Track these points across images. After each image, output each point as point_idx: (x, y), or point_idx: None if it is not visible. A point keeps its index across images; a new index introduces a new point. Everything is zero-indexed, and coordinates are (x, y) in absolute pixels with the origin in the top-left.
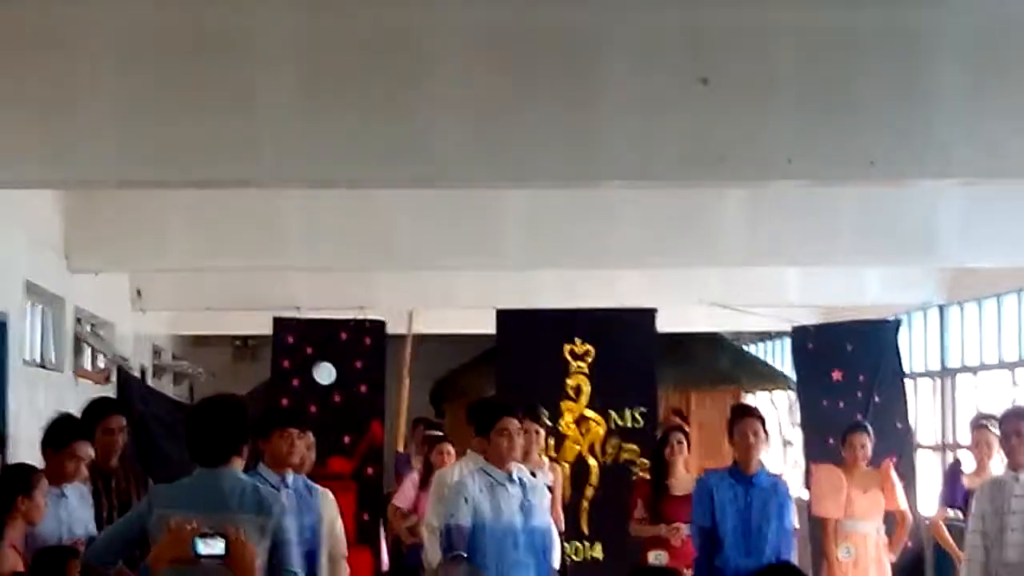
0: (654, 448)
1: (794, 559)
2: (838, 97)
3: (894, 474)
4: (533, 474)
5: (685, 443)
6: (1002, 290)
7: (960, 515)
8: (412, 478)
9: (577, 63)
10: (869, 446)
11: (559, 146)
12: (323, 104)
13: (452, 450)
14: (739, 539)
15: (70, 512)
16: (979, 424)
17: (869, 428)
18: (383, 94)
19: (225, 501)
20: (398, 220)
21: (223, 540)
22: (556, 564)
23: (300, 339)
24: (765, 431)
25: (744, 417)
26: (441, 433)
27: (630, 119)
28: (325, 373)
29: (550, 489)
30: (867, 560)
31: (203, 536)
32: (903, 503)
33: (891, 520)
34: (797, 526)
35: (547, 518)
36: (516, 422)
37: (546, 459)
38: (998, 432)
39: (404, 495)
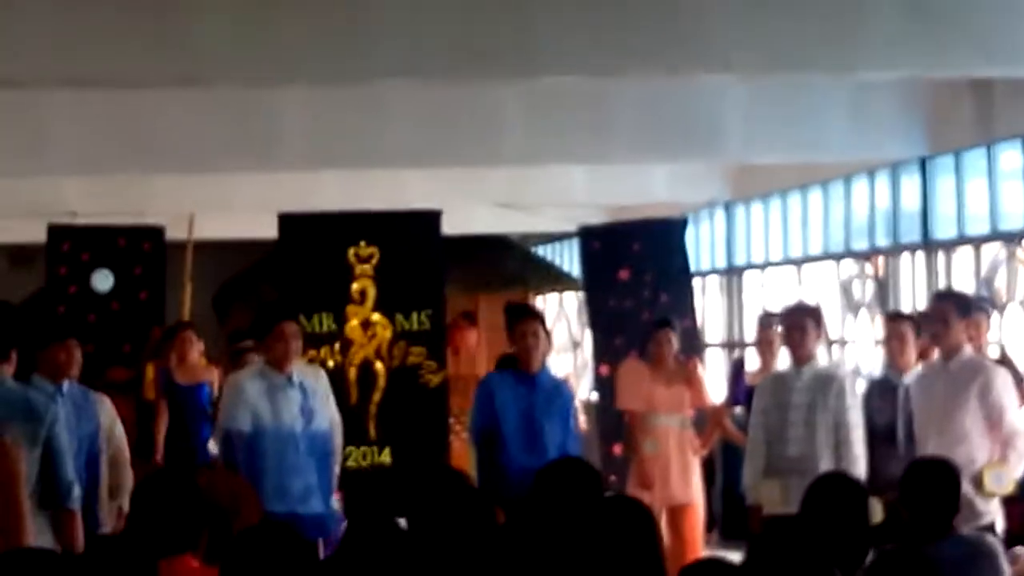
0: None
1: None
2: None
3: (701, 371)
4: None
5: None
6: (786, 186)
7: (744, 412)
8: None
9: None
10: (675, 342)
11: (326, 43)
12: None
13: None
14: (521, 438)
15: None
16: (763, 322)
17: (675, 324)
18: None
19: None
20: (174, 121)
21: None
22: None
23: (76, 246)
24: (545, 331)
25: (522, 318)
26: (249, 344)
27: (398, 14)
28: (102, 280)
29: None
30: (668, 454)
31: None
32: (711, 399)
33: (703, 417)
34: (584, 427)
35: (327, 422)
36: (294, 325)
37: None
38: (780, 329)
39: None
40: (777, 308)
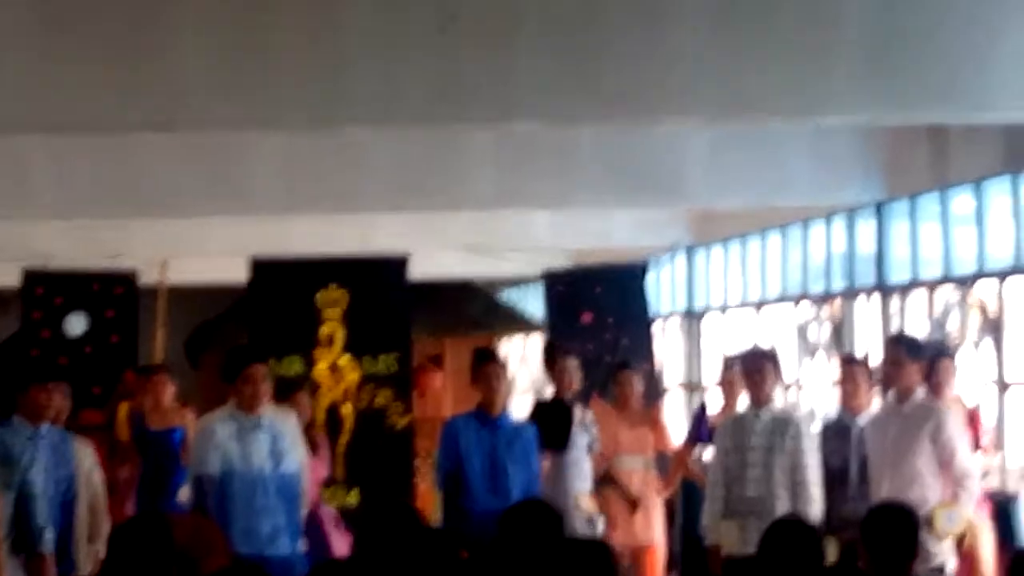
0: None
1: None
2: (581, 38)
3: (663, 414)
4: None
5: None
6: (746, 231)
7: (708, 451)
8: None
9: (320, 4)
10: (638, 385)
11: (303, 89)
12: (61, 46)
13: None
14: (486, 480)
15: None
16: (726, 365)
17: (636, 367)
18: (123, 35)
19: None
20: (148, 167)
21: None
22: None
23: (50, 291)
24: (507, 374)
25: (486, 361)
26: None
27: (374, 61)
28: (75, 324)
29: None
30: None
31: None
32: (674, 442)
33: (665, 459)
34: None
35: (296, 464)
36: (263, 368)
37: None
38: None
39: None
40: (737, 351)
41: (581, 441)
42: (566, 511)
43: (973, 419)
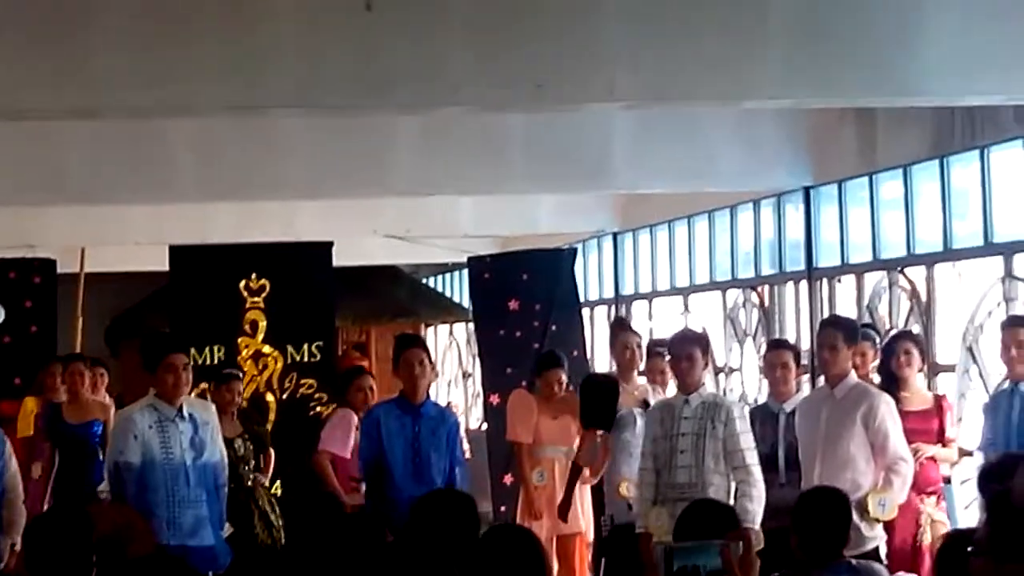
0: (881, 360)
1: (466, 487)
2: (504, 21)
3: None
4: None
5: (916, 353)
6: (673, 216)
7: None
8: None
9: None
10: (564, 379)
11: (222, 74)
12: None
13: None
14: (409, 468)
15: None
16: (651, 351)
17: (563, 361)
18: (41, 19)
19: None
20: (65, 153)
21: None
22: None
23: None
24: (430, 360)
25: (408, 347)
26: (236, 373)
27: (293, 46)
28: None
29: None
30: (554, 484)
31: None
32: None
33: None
34: (468, 455)
35: (218, 454)
36: (184, 357)
37: None
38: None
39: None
40: (665, 336)
41: (631, 422)
42: (609, 496)
43: (939, 408)
